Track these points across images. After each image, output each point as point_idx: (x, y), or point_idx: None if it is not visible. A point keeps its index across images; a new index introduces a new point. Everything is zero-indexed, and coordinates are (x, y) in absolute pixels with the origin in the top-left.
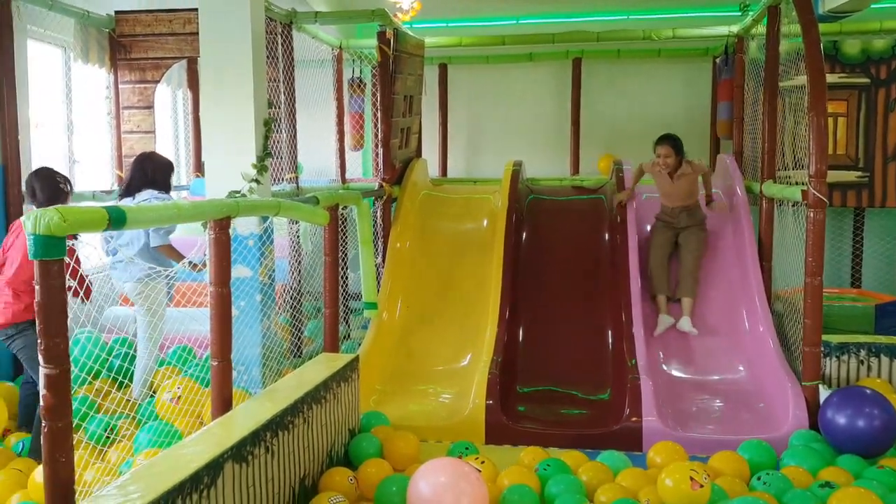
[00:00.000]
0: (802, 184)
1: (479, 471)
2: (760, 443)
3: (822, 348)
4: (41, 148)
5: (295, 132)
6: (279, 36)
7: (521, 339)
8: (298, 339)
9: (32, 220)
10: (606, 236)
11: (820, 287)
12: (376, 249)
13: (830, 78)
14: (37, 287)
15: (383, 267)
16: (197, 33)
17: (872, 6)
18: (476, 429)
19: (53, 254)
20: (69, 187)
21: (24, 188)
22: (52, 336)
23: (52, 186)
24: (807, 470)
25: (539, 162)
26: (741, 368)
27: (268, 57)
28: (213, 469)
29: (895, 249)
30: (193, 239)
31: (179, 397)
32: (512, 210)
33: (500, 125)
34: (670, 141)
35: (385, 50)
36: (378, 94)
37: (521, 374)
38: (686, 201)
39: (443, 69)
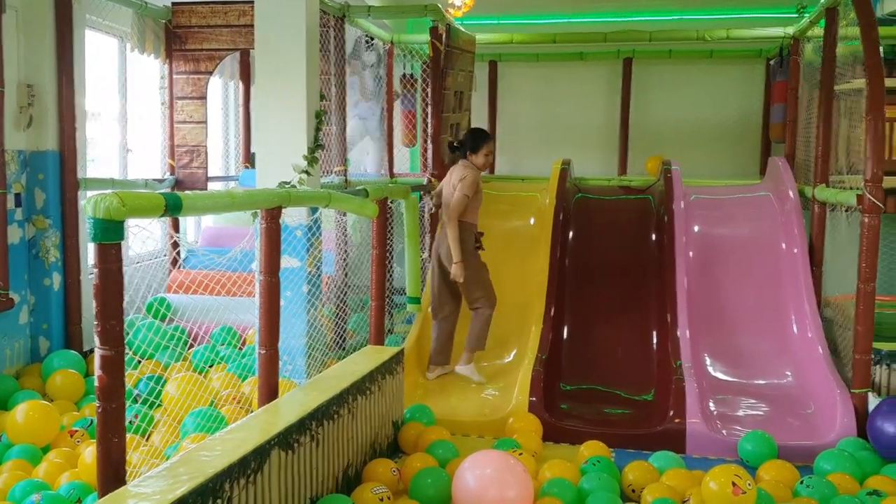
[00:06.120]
0: (857, 189)
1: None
2: (763, 434)
3: (873, 356)
4: (95, 136)
5: (344, 125)
6: (332, 29)
7: (565, 337)
8: (342, 332)
9: (92, 204)
10: (653, 236)
11: (872, 293)
12: (422, 244)
13: (889, 82)
14: (95, 270)
15: (429, 262)
16: (251, 25)
17: None
18: None
19: (112, 237)
20: None
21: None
22: (109, 318)
23: None
24: (854, 477)
25: (587, 161)
26: (788, 373)
27: (320, 50)
28: (260, 455)
29: None
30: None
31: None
32: (559, 208)
33: (548, 123)
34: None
35: (437, 45)
36: (428, 90)
37: (565, 372)
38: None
39: (492, 66)
